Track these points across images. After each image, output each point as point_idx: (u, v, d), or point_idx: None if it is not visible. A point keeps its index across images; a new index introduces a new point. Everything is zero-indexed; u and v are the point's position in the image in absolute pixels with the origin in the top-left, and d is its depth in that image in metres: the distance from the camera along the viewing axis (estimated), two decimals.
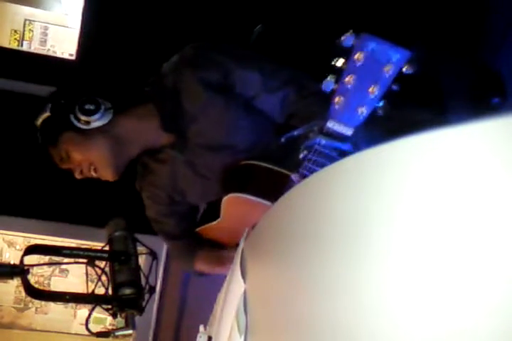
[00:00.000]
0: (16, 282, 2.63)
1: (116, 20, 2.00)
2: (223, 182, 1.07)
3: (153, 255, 0.98)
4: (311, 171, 0.73)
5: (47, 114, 1.03)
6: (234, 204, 1.03)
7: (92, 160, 1.04)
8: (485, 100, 1.26)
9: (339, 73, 0.66)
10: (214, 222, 1.10)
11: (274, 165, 1.00)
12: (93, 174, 1.06)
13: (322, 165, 0.72)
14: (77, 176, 1.07)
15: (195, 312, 1.96)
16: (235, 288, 0.65)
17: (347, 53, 0.64)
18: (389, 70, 0.63)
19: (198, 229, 1.17)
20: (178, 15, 1.99)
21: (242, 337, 0.54)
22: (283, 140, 0.87)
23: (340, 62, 0.65)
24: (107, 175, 1.06)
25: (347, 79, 0.65)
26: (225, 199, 1.02)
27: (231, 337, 0.59)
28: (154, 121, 1.05)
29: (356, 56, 0.63)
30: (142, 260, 1.02)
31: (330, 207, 0.35)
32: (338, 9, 1.66)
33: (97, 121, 1.00)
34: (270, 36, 1.30)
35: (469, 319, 0.20)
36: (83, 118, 1.00)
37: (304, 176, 0.74)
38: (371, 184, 0.28)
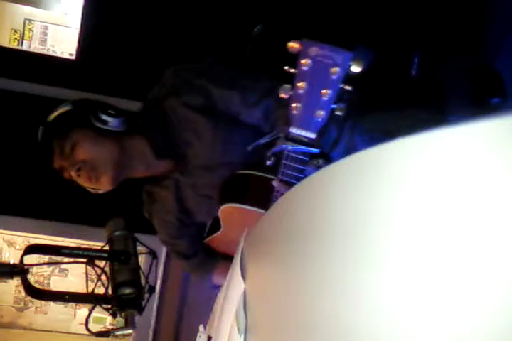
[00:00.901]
0: (15, 282, 2.64)
1: (116, 19, 2.00)
2: (217, 193, 1.09)
3: (153, 254, 0.98)
4: (288, 176, 0.75)
5: (67, 108, 1.04)
6: (230, 214, 1.05)
7: (96, 160, 1.03)
8: (485, 100, 1.26)
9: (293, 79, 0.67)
10: (218, 233, 1.12)
11: (264, 172, 1.01)
12: (89, 176, 1.04)
13: (297, 170, 0.74)
14: (72, 174, 1.05)
15: (195, 312, 1.96)
16: (234, 287, 0.65)
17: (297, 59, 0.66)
18: (336, 72, 0.64)
19: (205, 241, 1.19)
20: (178, 14, 1.99)
21: (242, 336, 0.54)
22: (249, 148, 0.89)
23: (291, 69, 0.66)
24: (105, 180, 1.05)
25: (299, 85, 0.66)
26: (220, 210, 1.04)
27: (231, 337, 0.59)
28: (148, 151, 1.08)
29: (303, 62, 0.65)
30: (142, 259, 1.02)
31: (330, 207, 0.35)
32: (339, 9, 1.66)
33: (114, 125, 1.04)
34: (270, 36, 1.30)
35: (469, 320, 0.20)
36: (104, 117, 1.03)
37: (283, 182, 0.76)
38: (371, 184, 0.28)
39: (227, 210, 1.04)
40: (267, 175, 1.00)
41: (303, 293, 0.38)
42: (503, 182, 0.19)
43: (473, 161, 0.21)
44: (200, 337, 0.88)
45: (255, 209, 0.98)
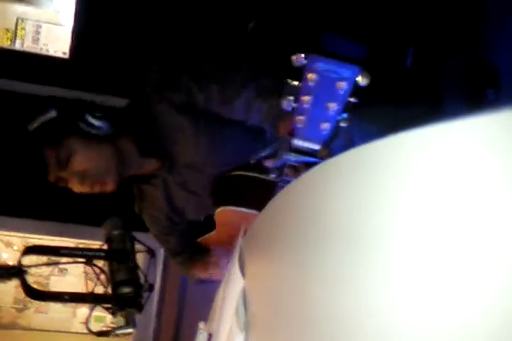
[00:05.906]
0: (15, 282, 2.63)
1: (109, 17, 1.99)
2: (212, 195, 1.09)
3: (151, 253, 0.98)
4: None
5: (52, 115, 1.00)
6: (225, 216, 1.05)
7: (97, 168, 1.01)
8: (480, 92, 1.26)
9: (297, 92, 0.67)
10: (211, 233, 1.12)
11: (259, 173, 1.00)
12: (92, 185, 1.03)
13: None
14: (73, 185, 1.03)
15: (195, 309, 1.96)
16: (234, 283, 0.65)
17: (301, 72, 0.65)
18: (342, 86, 0.64)
19: (199, 240, 1.20)
20: (172, 11, 1.98)
21: (243, 333, 0.54)
22: (252, 162, 0.88)
23: (294, 82, 0.66)
24: (110, 185, 1.04)
25: (304, 98, 0.66)
26: (216, 212, 1.04)
27: (231, 333, 0.59)
28: (134, 150, 1.06)
29: (308, 76, 0.64)
30: (140, 258, 1.02)
31: (329, 203, 0.35)
32: (331, 4, 1.65)
33: (105, 129, 1.02)
34: (264, 32, 1.30)
35: (467, 319, 0.20)
36: (93, 121, 1.00)
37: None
38: (366, 181, 0.28)
39: (223, 213, 1.04)
40: (264, 177, 0.99)
41: (302, 289, 0.38)
42: (498, 177, 0.19)
43: (471, 157, 0.21)
44: (200, 334, 0.88)
45: (253, 211, 0.98)
